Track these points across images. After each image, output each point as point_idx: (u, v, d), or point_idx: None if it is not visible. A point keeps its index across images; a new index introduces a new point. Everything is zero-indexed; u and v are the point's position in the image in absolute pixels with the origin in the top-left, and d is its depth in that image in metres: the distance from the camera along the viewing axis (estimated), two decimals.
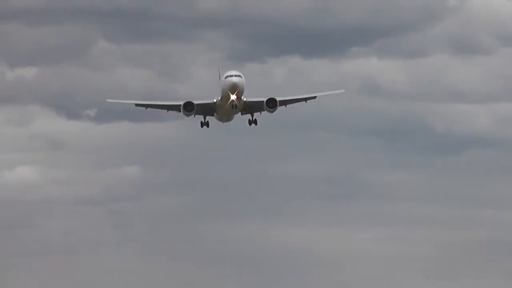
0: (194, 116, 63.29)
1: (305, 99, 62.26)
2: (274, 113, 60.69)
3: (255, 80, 59.87)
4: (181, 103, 59.61)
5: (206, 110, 62.83)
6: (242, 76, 57.56)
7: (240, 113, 63.79)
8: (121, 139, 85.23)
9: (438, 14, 75.60)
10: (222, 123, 65.95)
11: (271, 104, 59.51)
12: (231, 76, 56.76)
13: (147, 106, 63.87)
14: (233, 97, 57.31)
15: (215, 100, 59.71)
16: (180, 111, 60.67)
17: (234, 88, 56.73)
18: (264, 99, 59.64)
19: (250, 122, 64.51)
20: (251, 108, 62.14)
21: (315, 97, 61.88)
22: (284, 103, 61.32)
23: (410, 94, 79.37)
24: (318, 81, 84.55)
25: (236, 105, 58.20)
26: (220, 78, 58.80)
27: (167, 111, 63.79)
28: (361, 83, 77.22)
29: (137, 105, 63.93)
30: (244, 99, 59.50)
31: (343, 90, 60.49)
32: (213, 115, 64.38)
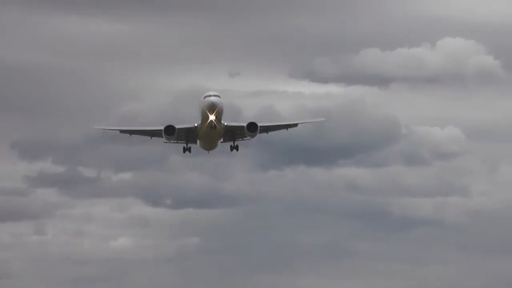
0: (177, 141, 62.94)
1: (287, 126, 62.87)
2: (254, 139, 60.81)
3: (275, 180, 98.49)
4: (162, 127, 58.96)
5: (188, 135, 62.37)
6: (220, 96, 57.08)
7: (222, 140, 63.16)
8: (188, 220, 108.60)
9: (394, 138, 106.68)
10: (206, 152, 64.95)
11: (252, 128, 59.18)
12: (209, 96, 56.25)
13: (131, 132, 63.69)
14: (211, 117, 56.75)
15: (196, 124, 59.20)
16: (162, 136, 60.31)
17: (213, 107, 56.38)
18: (245, 124, 59.45)
19: (231, 148, 64.46)
20: (232, 132, 61.97)
21: (296, 125, 63.04)
22: (266, 129, 61.28)
23: (377, 190, 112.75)
24: (317, 181, 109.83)
25: (215, 125, 57.38)
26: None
27: (151, 137, 63.18)
28: (345, 183, 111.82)
29: (121, 131, 63.68)
30: (225, 123, 59.27)
31: (323, 119, 65.38)
32: (196, 143, 63.91)
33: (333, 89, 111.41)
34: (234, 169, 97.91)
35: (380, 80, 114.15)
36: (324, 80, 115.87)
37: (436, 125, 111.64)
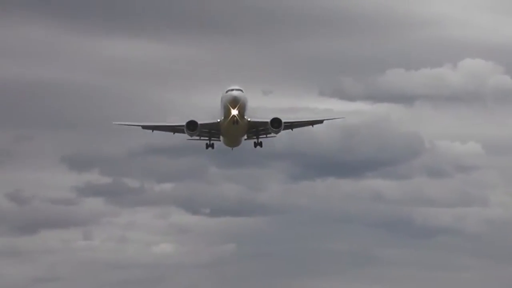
0: (200, 138, 63.25)
1: (312, 123, 63.25)
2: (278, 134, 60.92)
3: (307, 191, 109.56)
4: (184, 122, 58.93)
5: (211, 131, 62.36)
6: (243, 91, 56.89)
7: (246, 137, 63.55)
8: (224, 227, 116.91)
9: (418, 152, 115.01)
10: (230, 149, 65.47)
11: (276, 124, 58.60)
12: (232, 90, 56.16)
13: (153, 128, 63.89)
14: (234, 112, 56.46)
15: (219, 120, 59.02)
16: (184, 132, 60.42)
17: (235, 102, 56.08)
18: (269, 119, 58.73)
19: (255, 145, 64.66)
20: (256, 128, 61.85)
21: (322, 121, 63.37)
22: (290, 125, 61.33)
23: (401, 201, 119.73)
24: (345, 192, 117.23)
25: (237, 120, 57.23)
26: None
27: (173, 133, 63.63)
28: (371, 194, 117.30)
29: (143, 127, 64.16)
30: (248, 119, 58.98)
31: (344, 117, 67.70)
32: (219, 139, 63.88)
33: (361, 106, 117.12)
34: (268, 180, 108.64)
35: (405, 98, 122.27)
36: (352, 98, 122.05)
37: (457, 140, 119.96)
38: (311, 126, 63.62)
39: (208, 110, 64.82)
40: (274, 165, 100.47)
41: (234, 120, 57.40)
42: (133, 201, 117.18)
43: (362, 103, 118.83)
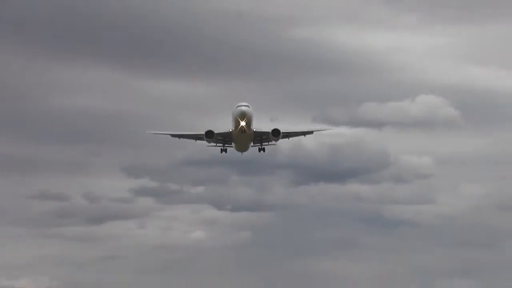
0: (216, 144, 72.81)
1: (304, 133, 74.06)
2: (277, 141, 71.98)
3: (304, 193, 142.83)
4: (203, 132, 69.42)
5: (225, 139, 71.62)
6: (249, 107, 66.43)
7: (252, 144, 73.17)
8: (241, 219, 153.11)
9: (386, 164, 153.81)
10: (240, 153, 75.01)
11: (276, 133, 69.09)
12: (240, 106, 66.17)
13: (179, 136, 74.03)
14: (242, 123, 65.89)
15: (230, 130, 68.60)
16: (204, 139, 70.73)
17: (243, 115, 65.67)
18: (270, 130, 69.25)
19: (259, 150, 74.39)
20: (260, 136, 71.41)
21: (312, 132, 74.42)
22: (287, 135, 71.94)
23: (374, 200, 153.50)
24: (332, 194, 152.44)
25: (245, 130, 66.54)
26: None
27: (195, 141, 73.69)
28: (352, 195, 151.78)
29: (172, 135, 74.20)
30: (254, 129, 68.71)
31: (330, 128, 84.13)
32: (231, 145, 73.28)
33: (343, 130, 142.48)
34: (273, 184, 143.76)
35: (376, 124, 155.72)
36: (337, 123, 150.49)
37: (415, 155, 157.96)
38: (303, 137, 74.44)
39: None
40: (278, 174, 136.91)
41: (242, 130, 67.12)
42: (174, 200, 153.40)
43: (345, 127, 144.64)
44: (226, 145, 73.07)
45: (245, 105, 66.23)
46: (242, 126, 66.49)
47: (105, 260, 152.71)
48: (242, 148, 73.27)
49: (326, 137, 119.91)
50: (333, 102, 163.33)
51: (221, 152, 74.30)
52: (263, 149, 73.82)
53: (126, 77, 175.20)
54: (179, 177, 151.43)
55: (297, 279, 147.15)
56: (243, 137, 69.02)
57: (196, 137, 72.51)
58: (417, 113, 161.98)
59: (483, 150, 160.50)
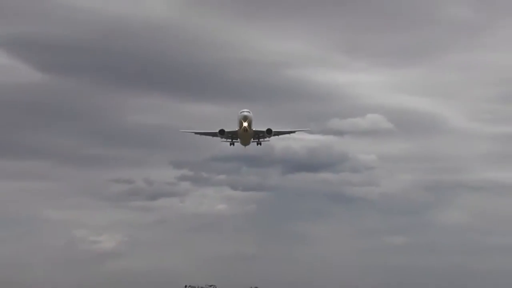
0: (226, 140, 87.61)
1: (289, 132, 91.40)
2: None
3: (290, 179, 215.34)
4: (217, 130, 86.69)
5: (233, 135, 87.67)
6: (250, 112, 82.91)
7: (253, 139, 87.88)
8: (250, 197, 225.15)
9: (345, 160, 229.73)
10: (244, 146, 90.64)
11: (269, 131, 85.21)
12: (243, 111, 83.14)
13: (200, 133, 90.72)
14: (245, 124, 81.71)
15: (237, 129, 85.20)
16: (217, 136, 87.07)
17: (245, 118, 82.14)
18: (265, 129, 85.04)
19: (257, 144, 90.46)
20: (257, 134, 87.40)
21: (295, 132, 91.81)
22: (277, 133, 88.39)
23: (337, 184, 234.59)
24: (309, 179, 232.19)
25: (247, 129, 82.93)
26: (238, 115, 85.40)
27: (212, 137, 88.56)
28: (323, 180, 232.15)
29: (195, 133, 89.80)
30: (254, 129, 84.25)
31: (309, 128, 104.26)
32: (237, 141, 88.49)
33: (318, 137, 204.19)
34: (271, 173, 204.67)
35: (339, 133, 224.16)
36: (313, 132, 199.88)
37: (364, 154, 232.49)
38: (288, 135, 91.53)
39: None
40: (274, 166, 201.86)
41: (245, 129, 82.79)
42: (204, 184, 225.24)
43: (318, 135, 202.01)
44: (233, 140, 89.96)
45: (247, 111, 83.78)
46: (244, 126, 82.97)
47: (157, 223, 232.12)
48: (245, 142, 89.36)
49: (306, 141, 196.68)
50: (311, 118, 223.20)
51: (230, 145, 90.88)
52: (260, 143, 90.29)
53: (171, 102, 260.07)
54: (207, 168, 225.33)
55: (286, 235, 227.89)
56: (245, 134, 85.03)
57: (213, 134, 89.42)
58: (366, 126, 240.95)
59: (409, 151, 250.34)
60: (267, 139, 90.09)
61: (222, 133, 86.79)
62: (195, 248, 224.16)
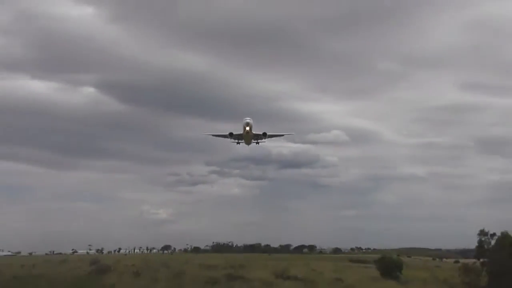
0: (234, 140, 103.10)
1: (279, 135, 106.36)
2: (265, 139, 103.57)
3: (280, 173, 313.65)
4: (228, 133, 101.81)
5: (238, 137, 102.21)
6: (251, 120, 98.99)
7: (253, 140, 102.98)
8: (256, 185, 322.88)
9: (318, 161, 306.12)
10: (247, 146, 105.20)
11: (264, 134, 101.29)
12: (246, 119, 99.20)
13: (217, 135, 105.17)
14: (247, 128, 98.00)
15: (241, 132, 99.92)
16: (228, 137, 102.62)
17: (247, 124, 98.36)
18: (261, 132, 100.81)
19: (256, 143, 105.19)
20: (256, 136, 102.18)
21: (283, 135, 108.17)
22: (271, 136, 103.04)
23: (312, 176, 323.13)
24: (294, 173, 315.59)
25: (248, 132, 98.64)
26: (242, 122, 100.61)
27: (224, 138, 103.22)
28: (304, 173, 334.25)
29: (212, 135, 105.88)
30: (253, 132, 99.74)
31: (293, 133, 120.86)
32: (242, 141, 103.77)
33: (299, 145, 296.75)
34: (268, 169, 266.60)
35: (315, 143, 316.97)
36: (296, 142, 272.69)
37: (330, 156, 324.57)
38: (282, 146, 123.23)
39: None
40: (270, 164, 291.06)
41: (247, 132, 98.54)
42: (226, 176, 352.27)
43: (300, 144, 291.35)
44: (239, 141, 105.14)
45: (249, 119, 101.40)
46: (247, 130, 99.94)
47: (196, 202, 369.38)
48: (247, 142, 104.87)
49: (292, 148, 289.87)
50: (296, 133, 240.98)
51: (237, 144, 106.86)
52: (258, 143, 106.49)
53: (203, 122, 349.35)
54: (227, 166, 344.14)
55: (279, 209, 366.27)
56: (247, 136, 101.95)
57: (224, 136, 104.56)
58: (331, 138, 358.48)
59: (359, 154, 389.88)
60: (263, 140, 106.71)
61: (231, 135, 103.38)
62: (219, 217, 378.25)
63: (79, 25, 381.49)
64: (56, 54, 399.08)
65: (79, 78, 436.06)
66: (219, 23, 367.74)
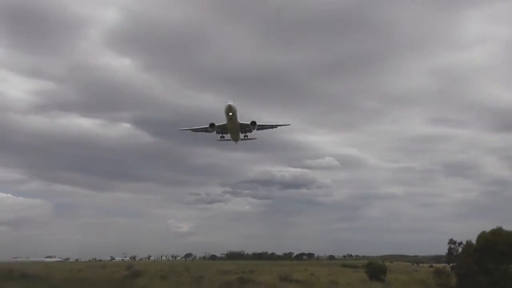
0: (216, 133, 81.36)
1: (272, 127, 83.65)
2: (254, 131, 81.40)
3: (284, 192, 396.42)
4: (208, 124, 79.58)
5: (222, 129, 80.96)
6: (233, 102, 74.98)
7: (240, 134, 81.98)
8: (264, 203, 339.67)
9: (310, 182, 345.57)
10: (235, 142, 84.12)
11: (253, 124, 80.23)
12: (228, 101, 75.07)
13: (196, 130, 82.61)
14: (230, 113, 75.02)
15: (225, 122, 78.35)
16: (209, 131, 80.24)
17: (229, 108, 74.92)
18: (249, 122, 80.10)
19: (244, 137, 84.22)
20: (243, 127, 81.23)
21: (276, 126, 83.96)
22: (261, 127, 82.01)
23: (301, 185, 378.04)
24: (295, 193, 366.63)
25: (231, 118, 75.60)
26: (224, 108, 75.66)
27: (205, 132, 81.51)
28: (301, 194, 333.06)
29: (192, 130, 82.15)
30: (240, 122, 78.16)
31: (289, 124, 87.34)
32: (227, 134, 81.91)
33: (298, 170, 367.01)
34: (273, 189, 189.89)
35: (310, 168, 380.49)
36: (295, 167, 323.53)
37: (324, 179, 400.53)
38: (271, 129, 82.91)
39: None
40: (275, 186, 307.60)
41: (230, 117, 75.56)
42: (238, 196, 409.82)
43: (298, 169, 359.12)
44: (223, 135, 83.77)
45: (231, 101, 76.35)
46: (230, 115, 77.30)
47: (213, 217, 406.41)
48: (234, 137, 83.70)
49: (292, 172, 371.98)
50: (295, 159, 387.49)
51: (220, 138, 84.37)
52: (246, 136, 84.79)
53: (218, 151, 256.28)
54: (239, 187, 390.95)
55: (282, 223, 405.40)
56: (233, 126, 79.39)
57: (205, 129, 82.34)
58: (325, 164, 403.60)
59: (348, 177, 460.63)
60: (253, 136, 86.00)
61: (212, 126, 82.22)
62: (232, 230, 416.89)
63: (118, 73, 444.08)
64: (100, 97, 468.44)
65: (118, 115, 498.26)
66: (230, 69, 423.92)
